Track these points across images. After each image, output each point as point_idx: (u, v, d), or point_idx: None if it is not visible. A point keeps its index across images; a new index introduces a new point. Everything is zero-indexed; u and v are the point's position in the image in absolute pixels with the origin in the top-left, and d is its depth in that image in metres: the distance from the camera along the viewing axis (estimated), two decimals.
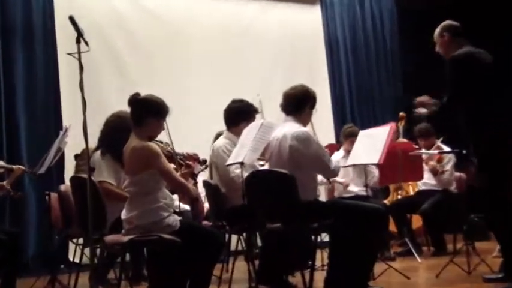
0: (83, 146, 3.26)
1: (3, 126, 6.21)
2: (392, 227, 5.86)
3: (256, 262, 4.13)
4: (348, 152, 5.26)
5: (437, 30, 4.24)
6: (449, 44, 4.15)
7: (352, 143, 4.94)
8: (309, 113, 3.99)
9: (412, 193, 6.53)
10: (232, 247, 5.09)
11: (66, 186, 4.71)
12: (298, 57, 8.08)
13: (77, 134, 3.42)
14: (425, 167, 5.88)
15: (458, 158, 5.50)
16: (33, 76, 6.46)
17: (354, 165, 5.16)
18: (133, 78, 6.82)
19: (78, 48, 3.08)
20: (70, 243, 5.47)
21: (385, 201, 6.50)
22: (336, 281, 3.64)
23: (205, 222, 5.17)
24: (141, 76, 6.84)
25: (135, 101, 3.47)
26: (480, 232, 5.75)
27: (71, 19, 3.09)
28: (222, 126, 4.68)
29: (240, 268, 4.60)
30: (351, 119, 8.04)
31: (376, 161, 4.47)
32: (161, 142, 3.78)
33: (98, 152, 4.07)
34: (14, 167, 4.74)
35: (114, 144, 3.84)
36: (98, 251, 3.66)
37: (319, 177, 4.24)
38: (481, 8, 7.77)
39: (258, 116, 4.65)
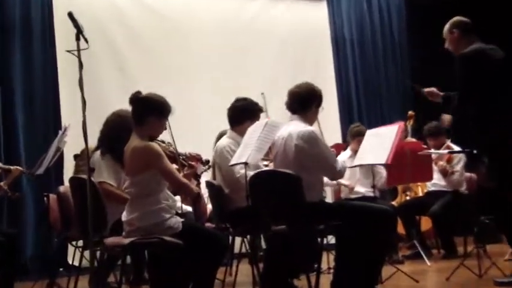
0: (83, 145, 3.23)
1: (0, 125, 6.15)
2: (400, 229, 5.80)
3: (261, 265, 4.06)
4: (355, 152, 5.20)
5: (447, 27, 4.17)
6: (459, 40, 4.09)
7: (360, 142, 4.85)
8: (315, 112, 3.94)
9: (420, 194, 6.46)
10: (236, 249, 5.04)
11: (65, 187, 4.67)
12: (303, 54, 7.99)
13: (77, 134, 3.38)
14: (435, 168, 5.78)
15: (469, 158, 5.43)
16: (31, 74, 6.40)
17: (361, 166, 5.08)
18: (134, 74, 6.80)
19: (78, 45, 3.03)
20: (69, 245, 5.37)
21: (393, 203, 6.42)
22: (343, 284, 3.59)
23: (208, 224, 5.12)
24: (141, 72, 6.82)
25: (136, 99, 3.42)
26: (491, 234, 5.64)
27: (70, 15, 3.05)
28: (225, 125, 4.61)
29: (244, 271, 4.60)
30: (358, 118, 7.95)
31: (383, 161, 4.37)
32: (163, 142, 3.74)
33: (98, 152, 4.02)
34: (11, 167, 4.73)
35: (115, 144, 3.80)
36: (98, 253, 3.63)
37: (325, 178, 4.17)
38: (489, 3, 7.67)
39: (262, 114, 4.60)
